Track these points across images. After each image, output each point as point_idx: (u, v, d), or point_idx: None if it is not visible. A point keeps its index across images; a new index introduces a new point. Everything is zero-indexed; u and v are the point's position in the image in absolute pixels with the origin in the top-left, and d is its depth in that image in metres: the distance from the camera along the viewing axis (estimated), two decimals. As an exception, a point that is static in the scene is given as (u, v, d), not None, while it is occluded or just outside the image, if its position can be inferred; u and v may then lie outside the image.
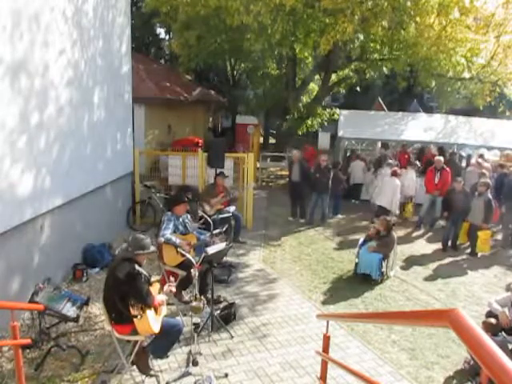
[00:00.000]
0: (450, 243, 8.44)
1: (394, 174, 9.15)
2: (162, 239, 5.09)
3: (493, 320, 4.38)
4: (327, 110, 18.72)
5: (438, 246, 8.57)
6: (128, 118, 8.45)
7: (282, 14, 11.60)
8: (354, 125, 12.98)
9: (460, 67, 13.49)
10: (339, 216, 10.49)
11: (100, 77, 6.83)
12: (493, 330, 4.24)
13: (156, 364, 4.13)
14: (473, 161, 11.97)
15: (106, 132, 7.29)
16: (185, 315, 4.99)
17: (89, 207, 6.65)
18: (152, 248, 3.95)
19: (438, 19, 11.46)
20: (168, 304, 4.41)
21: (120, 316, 3.61)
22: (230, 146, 17.27)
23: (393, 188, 8.98)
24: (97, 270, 6.33)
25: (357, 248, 6.96)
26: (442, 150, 12.28)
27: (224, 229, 6.53)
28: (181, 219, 5.49)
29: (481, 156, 11.80)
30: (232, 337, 4.79)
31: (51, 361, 4.13)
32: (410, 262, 7.68)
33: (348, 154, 13.56)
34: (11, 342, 3.37)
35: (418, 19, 11.75)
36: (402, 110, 17.98)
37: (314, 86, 21.03)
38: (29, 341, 3.62)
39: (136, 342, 3.71)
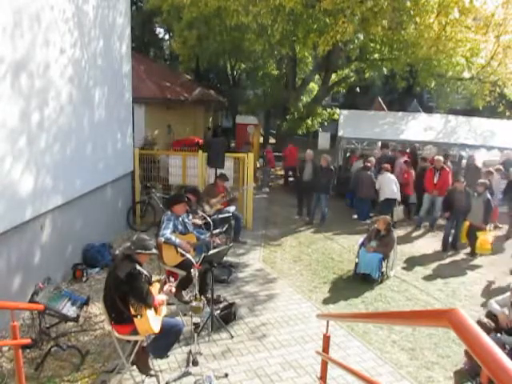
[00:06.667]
0: (450, 243, 8.44)
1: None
2: (161, 239, 5.10)
3: (486, 320, 4.36)
4: (327, 109, 18.71)
5: (438, 245, 8.56)
6: (128, 117, 8.45)
7: (282, 14, 11.60)
8: (354, 125, 12.99)
9: (460, 67, 13.49)
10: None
11: (100, 76, 6.83)
12: (486, 330, 4.23)
13: (156, 364, 4.13)
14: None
15: (107, 132, 7.29)
16: (185, 315, 4.99)
17: (89, 207, 6.66)
18: (154, 250, 3.96)
19: (438, 19, 11.44)
20: (168, 304, 4.41)
21: (120, 316, 3.61)
22: (230, 146, 17.30)
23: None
24: (97, 269, 6.34)
25: (357, 248, 6.98)
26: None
27: (224, 229, 6.53)
28: (180, 219, 5.49)
29: None
30: (232, 337, 4.79)
31: (51, 361, 4.12)
32: (410, 262, 7.68)
33: (348, 155, 13.55)
34: (11, 342, 3.37)
35: (417, 19, 11.73)
36: (402, 110, 17.97)
37: (314, 86, 21.03)
38: (29, 341, 3.62)
39: (136, 342, 3.71)
